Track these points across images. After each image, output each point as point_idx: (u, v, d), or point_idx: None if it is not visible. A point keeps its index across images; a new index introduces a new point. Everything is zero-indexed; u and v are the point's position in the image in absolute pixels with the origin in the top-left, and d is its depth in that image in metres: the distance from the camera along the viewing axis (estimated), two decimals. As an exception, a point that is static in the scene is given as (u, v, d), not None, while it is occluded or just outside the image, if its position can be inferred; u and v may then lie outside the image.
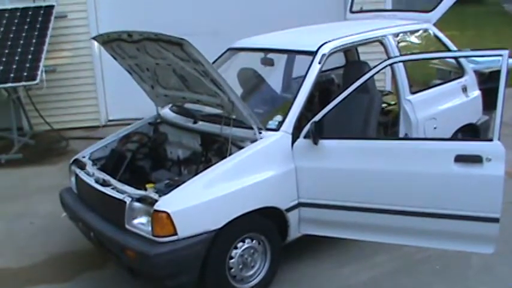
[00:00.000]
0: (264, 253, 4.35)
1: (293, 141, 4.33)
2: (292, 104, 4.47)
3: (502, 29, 19.87)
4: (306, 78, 4.58)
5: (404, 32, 5.75)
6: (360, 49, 6.34)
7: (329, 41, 4.80)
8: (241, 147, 4.28)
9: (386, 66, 4.51)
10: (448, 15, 6.06)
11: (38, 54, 8.03)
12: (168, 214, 3.78)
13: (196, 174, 4.16)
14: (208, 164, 4.39)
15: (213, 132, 4.61)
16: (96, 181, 4.44)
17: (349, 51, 6.26)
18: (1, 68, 7.84)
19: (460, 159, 3.93)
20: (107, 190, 4.26)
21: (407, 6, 6.46)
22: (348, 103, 4.43)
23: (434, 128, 5.32)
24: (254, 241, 4.25)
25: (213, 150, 4.63)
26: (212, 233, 3.91)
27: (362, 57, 6.43)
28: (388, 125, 5.63)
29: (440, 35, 5.88)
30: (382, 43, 5.29)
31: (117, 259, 4.21)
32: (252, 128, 4.29)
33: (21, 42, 8.25)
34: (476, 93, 6.04)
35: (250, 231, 4.21)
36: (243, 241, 4.19)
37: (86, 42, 8.85)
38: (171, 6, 9.17)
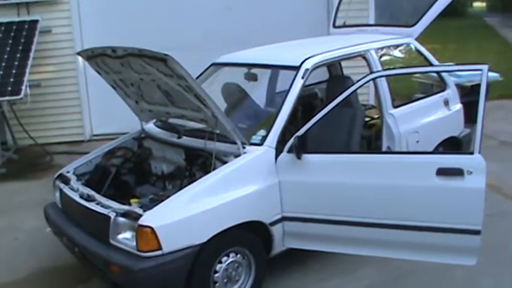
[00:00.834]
0: (249, 267, 4.35)
1: (277, 156, 4.36)
2: (275, 118, 4.50)
3: (484, 42, 20.09)
4: (289, 92, 4.62)
5: (387, 47, 5.80)
6: (343, 63, 6.40)
7: (312, 56, 4.85)
8: (225, 162, 4.29)
9: (368, 80, 4.55)
10: (430, 29, 6.13)
11: (23, 69, 8.03)
12: (152, 229, 3.78)
13: (180, 189, 4.16)
14: (192, 179, 4.41)
15: (197, 147, 4.62)
16: (81, 196, 4.44)
17: (333, 66, 6.31)
18: (-15, 83, 7.82)
19: (442, 172, 3.97)
20: (92, 205, 4.25)
21: (390, 21, 6.52)
22: (331, 117, 4.46)
23: (417, 141, 5.37)
24: (238, 255, 4.26)
25: (197, 165, 4.64)
26: (196, 248, 3.92)
27: (345, 72, 6.48)
28: (371, 138, 5.67)
29: (422, 49, 5.95)
30: (364, 58, 5.33)
31: (102, 274, 4.21)
32: (235, 143, 4.31)
33: (6, 56, 8.25)
34: (458, 106, 6.11)
35: (235, 245, 4.22)
36: (228, 255, 4.19)
37: (71, 57, 8.84)
38: (155, 22, 9.20)
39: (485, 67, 4.05)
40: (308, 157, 4.28)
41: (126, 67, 4.39)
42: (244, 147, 4.32)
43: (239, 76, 5.59)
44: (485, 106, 3.91)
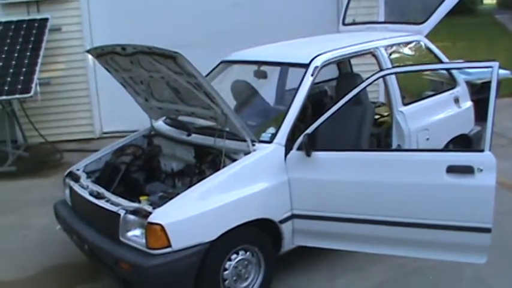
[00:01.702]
0: (258, 265, 4.36)
1: (286, 153, 4.35)
2: (285, 116, 4.49)
3: (494, 39, 19.96)
4: (298, 90, 4.61)
5: (397, 44, 5.78)
6: (353, 61, 6.38)
7: (322, 54, 4.84)
8: (234, 160, 4.30)
9: (378, 78, 4.54)
10: (440, 27, 6.11)
11: (32, 67, 8.05)
12: (162, 226, 3.79)
13: (190, 186, 4.17)
14: (202, 176, 4.41)
15: (206, 144, 4.63)
16: (91, 194, 4.46)
17: (342, 63, 6.29)
18: (-5, 81, 7.85)
19: (452, 169, 3.95)
20: (101, 203, 4.27)
21: (400, 18, 6.51)
22: (341, 115, 4.45)
23: (427, 139, 5.35)
24: (248, 253, 4.26)
25: (207, 162, 4.64)
26: (206, 245, 3.92)
27: (355, 69, 6.47)
28: (380, 136, 5.65)
29: (432, 46, 5.93)
30: (374, 55, 5.32)
31: (112, 271, 4.21)
32: (245, 141, 4.31)
33: (16, 55, 8.28)
34: (468, 104, 6.09)
35: (244, 243, 4.22)
36: (237, 253, 4.20)
37: (80, 55, 8.86)
38: (165, 19, 9.21)
39: (495, 64, 4.03)
40: (317, 154, 4.27)
41: (135, 65, 4.39)
42: (253, 145, 4.32)
43: (249, 74, 5.59)
44: (496, 103, 3.90)
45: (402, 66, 5.17)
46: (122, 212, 4.02)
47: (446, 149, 5.59)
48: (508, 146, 7.99)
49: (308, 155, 4.25)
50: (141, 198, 4.34)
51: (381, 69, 5.05)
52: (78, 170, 4.97)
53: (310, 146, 4.23)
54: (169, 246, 3.82)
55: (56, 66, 9.20)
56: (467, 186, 3.92)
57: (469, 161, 3.92)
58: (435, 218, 4.04)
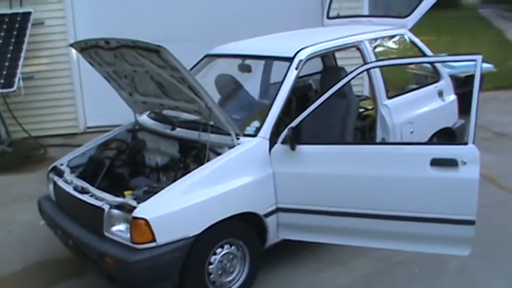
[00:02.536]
0: (243, 258, 4.36)
1: (271, 147, 4.36)
2: (269, 110, 4.50)
3: (478, 33, 20.09)
4: (283, 84, 4.61)
5: (381, 38, 5.80)
6: (338, 54, 6.39)
7: (306, 47, 4.85)
8: (219, 153, 4.29)
9: (362, 71, 4.55)
10: (424, 20, 6.13)
11: (15, 62, 8.00)
12: (146, 221, 3.78)
13: (174, 180, 4.16)
14: (186, 171, 4.40)
15: (191, 138, 4.61)
16: (75, 188, 4.43)
17: (327, 57, 6.30)
18: (-22, 75, 7.79)
19: (436, 162, 3.98)
20: (85, 197, 4.25)
21: (384, 12, 6.52)
22: (325, 108, 4.46)
23: (411, 132, 5.38)
24: (233, 247, 4.26)
25: (191, 156, 4.63)
26: (191, 239, 3.92)
27: (339, 63, 6.48)
28: (365, 129, 5.67)
29: (416, 40, 5.95)
30: (358, 48, 5.33)
31: (96, 266, 4.19)
32: (229, 134, 4.31)
33: (-2, 49, 8.21)
34: (452, 97, 6.12)
35: (229, 236, 4.22)
36: (222, 247, 4.20)
37: (64, 49, 8.79)
38: (148, 14, 9.19)
39: (479, 57, 4.05)
40: (302, 148, 4.28)
41: (119, 59, 4.37)
42: (238, 139, 4.32)
43: (233, 67, 5.59)
44: (479, 97, 3.92)
45: (386, 59, 5.18)
46: (106, 207, 4.01)
47: (430, 142, 5.62)
48: (492, 139, 8.05)
49: (292, 148, 4.25)
50: (126, 192, 4.33)
51: (365, 63, 5.06)
52: (62, 165, 4.94)
53: (294, 140, 4.24)
54: (154, 240, 3.81)
55: (39, 60, 9.14)
56: (451, 179, 3.95)
57: (453, 154, 3.95)
58: (419, 211, 4.07)
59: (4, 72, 7.85)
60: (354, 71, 4.44)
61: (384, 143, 5.17)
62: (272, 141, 4.37)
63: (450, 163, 3.93)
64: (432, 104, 5.84)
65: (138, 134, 5.25)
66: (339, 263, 4.81)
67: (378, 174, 4.14)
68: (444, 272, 4.62)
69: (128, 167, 5.16)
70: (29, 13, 8.68)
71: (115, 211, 3.98)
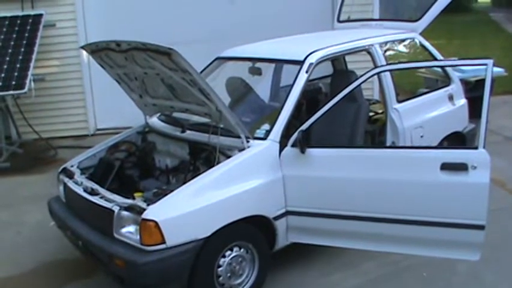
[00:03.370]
0: (252, 261, 4.36)
1: (280, 150, 4.36)
2: (279, 113, 4.50)
3: (489, 37, 20.03)
4: (293, 87, 4.61)
5: (391, 41, 5.78)
6: (348, 58, 6.39)
7: (316, 51, 4.84)
8: (229, 156, 4.29)
9: (372, 75, 4.54)
10: (435, 24, 6.12)
11: (27, 63, 8.04)
12: (156, 223, 3.79)
13: (184, 183, 4.17)
14: (196, 173, 4.41)
15: (201, 141, 4.62)
16: (85, 190, 4.45)
17: (337, 60, 6.29)
18: (-11, 77, 7.83)
19: (446, 167, 3.97)
20: (95, 199, 4.26)
21: (395, 15, 6.51)
22: (335, 112, 4.46)
23: (421, 136, 5.36)
24: (242, 249, 4.27)
25: (201, 159, 4.64)
26: (200, 242, 3.93)
27: (350, 66, 6.47)
28: (375, 133, 5.66)
29: (427, 44, 5.94)
30: (369, 52, 5.32)
31: (106, 268, 4.21)
32: (239, 137, 4.31)
33: (10, 51, 8.26)
34: (462, 101, 6.10)
35: (238, 239, 4.23)
36: (231, 249, 4.20)
37: (75, 51, 8.86)
38: (159, 16, 9.21)
39: (490, 61, 4.04)
40: (312, 151, 4.28)
41: (130, 61, 4.39)
42: (248, 141, 4.32)
43: (243, 70, 5.59)
44: (490, 101, 3.91)
45: (397, 63, 5.17)
46: (116, 209, 4.02)
47: (440, 146, 5.60)
48: (503, 143, 8.02)
49: (302, 151, 4.25)
50: (136, 194, 4.34)
51: (376, 67, 5.06)
52: (72, 166, 4.96)
53: (304, 143, 4.24)
54: (164, 242, 3.82)
55: (50, 62, 9.19)
56: (461, 183, 3.94)
57: (463, 158, 3.94)
58: (429, 215, 4.05)
59: (15, 74, 7.88)
60: (364, 74, 4.44)
61: (393, 147, 5.16)
62: (282, 144, 4.37)
63: (460, 167, 3.92)
64: (442, 108, 5.82)
65: (148, 136, 5.26)
66: (348, 266, 4.80)
67: (388, 178, 4.13)
68: (453, 277, 4.60)
69: (138, 169, 5.17)
70: (41, 15, 8.73)
71: (125, 213, 3.99)
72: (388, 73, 5.21)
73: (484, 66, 4.06)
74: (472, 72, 8.17)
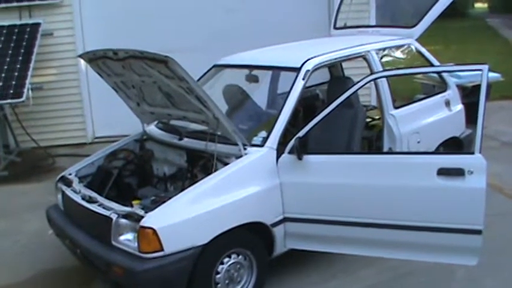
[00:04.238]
0: (250, 268, 4.36)
1: (278, 157, 4.37)
2: (276, 119, 4.51)
3: (486, 43, 20.08)
4: (290, 94, 4.63)
5: (388, 48, 5.80)
6: (345, 65, 6.41)
7: (313, 57, 4.86)
8: (226, 163, 4.31)
9: (369, 81, 4.56)
10: (432, 30, 6.15)
11: (24, 72, 8.05)
12: (154, 230, 3.80)
13: (182, 190, 4.17)
14: (194, 180, 4.42)
15: (198, 148, 4.63)
16: (83, 198, 4.46)
17: (334, 67, 6.32)
18: (-13, 85, 7.84)
19: (443, 172, 3.98)
20: (93, 207, 4.27)
21: (391, 22, 6.53)
22: (332, 118, 4.48)
23: (418, 142, 5.38)
24: (240, 256, 4.27)
25: (199, 166, 4.65)
26: (198, 249, 3.93)
27: (347, 73, 6.49)
28: (372, 139, 5.67)
29: (423, 50, 5.96)
30: (365, 59, 5.34)
31: (104, 275, 4.22)
32: (236, 144, 4.32)
33: (7, 59, 8.27)
34: (459, 107, 6.12)
35: (236, 246, 4.23)
36: (229, 256, 4.21)
37: (72, 59, 8.88)
38: (157, 24, 9.22)
39: (485, 67, 4.06)
40: (309, 158, 4.29)
41: (127, 69, 4.40)
42: (245, 149, 4.33)
43: (240, 78, 5.60)
44: (486, 106, 3.92)
45: (393, 69, 5.19)
46: (114, 216, 4.03)
47: (436, 151, 5.62)
48: (499, 148, 8.04)
49: (299, 158, 4.26)
50: (134, 202, 4.36)
51: (372, 73, 5.07)
52: (70, 174, 4.97)
53: (301, 150, 4.25)
54: (162, 250, 3.82)
55: (48, 71, 9.20)
56: (458, 188, 3.95)
57: (460, 163, 3.95)
58: (426, 220, 4.07)
59: (13, 83, 7.89)
60: (360, 81, 4.46)
61: (390, 152, 5.17)
62: (279, 151, 4.38)
63: (457, 172, 3.94)
64: (439, 114, 5.84)
65: (146, 144, 5.27)
66: (346, 272, 4.81)
67: (385, 184, 4.14)
68: (452, 282, 4.61)
69: (136, 176, 5.19)
70: (38, 24, 8.76)
71: (123, 220, 4.00)
72: (384, 79, 5.23)
73: (479, 72, 4.08)
74: (468, 78, 8.21)
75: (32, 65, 8.19)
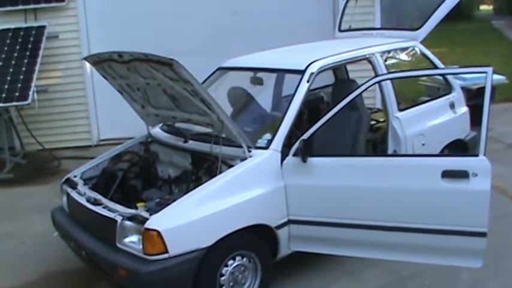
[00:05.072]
0: (255, 270, 4.37)
1: (282, 159, 4.37)
2: (281, 122, 4.51)
3: (491, 45, 20.04)
4: (294, 96, 4.63)
5: (392, 50, 5.80)
6: (349, 67, 6.41)
7: (317, 60, 4.87)
8: (231, 166, 4.31)
9: (373, 84, 4.57)
10: (437, 32, 6.14)
11: (30, 75, 8.07)
12: (158, 232, 3.81)
13: (186, 192, 4.19)
14: (198, 183, 4.43)
15: (203, 151, 4.64)
16: (88, 200, 4.47)
17: (338, 70, 6.32)
18: (-7, 88, 7.87)
19: (447, 174, 3.98)
20: (98, 209, 4.28)
21: (396, 24, 6.53)
22: (337, 121, 4.48)
23: (423, 144, 5.37)
24: (244, 258, 4.28)
25: (203, 168, 4.66)
26: (203, 251, 3.94)
27: (351, 76, 6.50)
28: (376, 142, 5.67)
29: (427, 52, 5.95)
30: (370, 61, 5.35)
31: (109, 277, 4.23)
32: (241, 147, 4.33)
33: (13, 62, 8.30)
34: (464, 109, 6.11)
35: (241, 248, 4.24)
36: (234, 258, 4.21)
37: (78, 62, 8.89)
38: (161, 27, 9.24)
39: (489, 69, 4.06)
40: (314, 160, 4.29)
41: (132, 72, 4.42)
42: (250, 151, 4.34)
43: (245, 80, 5.62)
44: (490, 108, 3.93)
45: (397, 72, 5.19)
46: (119, 218, 4.04)
47: (441, 154, 5.61)
48: (504, 150, 8.01)
49: (304, 160, 4.27)
50: (138, 204, 4.36)
51: (376, 75, 5.07)
52: (75, 176, 4.98)
53: (306, 152, 4.25)
54: (166, 252, 3.83)
55: (54, 73, 9.22)
56: (463, 190, 3.95)
57: (464, 165, 3.95)
58: (431, 223, 4.06)
59: (19, 85, 7.92)
60: (365, 83, 4.47)
61: (395, 155, 5.17)
62: (284, 154, 4.39)
63: (461, 175, 3.93)
64: (444, 116, 5.83)
65: (151, 146, 5.28)
66: (350, 274, 4.81)
67: (389, 186, 4.14)
68: (456, 284, 4.60)
69: (141, 179, 5.20)
70: (44, 27, 8.79)
71: (127, 222, 4.01)
72: (389, 82, 5.23)
73: (483, 74, 4.08)
74: (473, 80, 8.19)
75: (37, 67, 8.21)
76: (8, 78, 8.05)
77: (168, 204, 4.03)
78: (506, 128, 8.92)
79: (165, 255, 3.84)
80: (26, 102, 7.80)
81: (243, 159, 4.32)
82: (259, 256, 4.35)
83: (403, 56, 6.19)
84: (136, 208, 4.24)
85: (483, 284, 4.57)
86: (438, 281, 4.64)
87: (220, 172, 4.26)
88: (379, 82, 4.93)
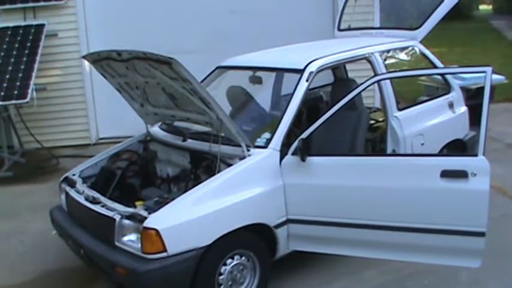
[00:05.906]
0: (253, 269, 4.36)
1: (281, 158, 4.37)
2: (280, 121, 4.51)
3: (490, 45, 20.06)
4: (293, 95, 4.63)
5: (391, 50, 5.80)
6: (349, 67, 6.41)
7: (317, 59, 4.86)
8: (229, 165, 4.31)
9: (372, 83, 4.56)
10: (436, 32, 6.13)
11: (29, 73, 8.06)
12: (157, 231, 3.80)
13: (185, 191, 4.18)
14: (197, 181, 4.42)
15: (202, 149, 4.64)
16: (86, 199, 4.47)
17: (337, 69, 6.32)
18: (-9, 86, 7.87)
19: (446, 174, 3.97)
20: (97, 208, 4.28)
21: (395, 24, 6.53)
22: (336, 120, 4.47)
23: (422, 144, 5.37)
24: (243, 257, 4.27)
25: (202, 167, 4.66)
26: (201, 250, 3.93)
27: (351, 75, 6.49)
28: (375, 141, 5.67)
29: (427, 51, 5.95)
30: (369, 61, 5.34)
31: (107, 276, 4.23)
32: (240, 146, 4.33)
33: (12, 60, 8.29)
34: (463, 109, 6.11)
35: (239, 247, 4.23)
36: (232, 257, 4.21)
37: (77, 60, 8.88)
38: (161, 25, 9.24)
39: (489, 69, 4.06)
40: (312, 159, 4.29)
41: (131, 70, 4.41)
42: (248, 150, 4.34)
43: (244, 79, 5.61)
44: (489, 108, 3.92)
45: (396, 71, 5.19)
46: (117, 217, 4.04)
47: (440, 153, 5.61)
48: (503, 150, 8.02)
49: (303, 160, 4.26)
50: (137, 203, 4.35)
51: (375, 75, 5.07)
52: (74, 175, 4.98)
53: (305, 151, 4.25)
54: (165, 251, 3.83)
55: (53, 72, 9.21)
56: (462, 190, 3.94)
57: (463, 165, 3.95)
58: (430, 223, 4.06)
59: (18, 84, 7.91)
60: (364, 82, 4.46)
61: (394, 154, 5.16)
62: (283, 153, 4.38)
63: (460, 174, 3.93)
64: (443, 116, 5.83)
65: (150, 145, 5.28)
66: (349, 274, 4.80)
67: (388, 186, 4.14)
68: (455, 284, 4.60)
69: (139, 177, 5.20)
70: (43, 25, 8.77)
71: (126, 221, 4.01)
72: (388, 81, 5.23)
73: (483, 74, 4.08)
74: (472, 80, 8.19)
75: (36, 66, 8.20)
76: (7, 76, 8.04)
77: (167, 203, 4.02)
78: (505, 128, 8.92)
79: (164, 254, 3.83)
80: (25, 101, 7.80)
81: (242, 158, 4.31)
82: (257, 255, 4.34)
83: (403, 56, 6.19)
84: (135, 207, 4.23)
85: (482, 284, 4.57)
86: (437, 281, 4.64)
87: (219, 171, 4.26)
88: (378, 81, 4.92)
